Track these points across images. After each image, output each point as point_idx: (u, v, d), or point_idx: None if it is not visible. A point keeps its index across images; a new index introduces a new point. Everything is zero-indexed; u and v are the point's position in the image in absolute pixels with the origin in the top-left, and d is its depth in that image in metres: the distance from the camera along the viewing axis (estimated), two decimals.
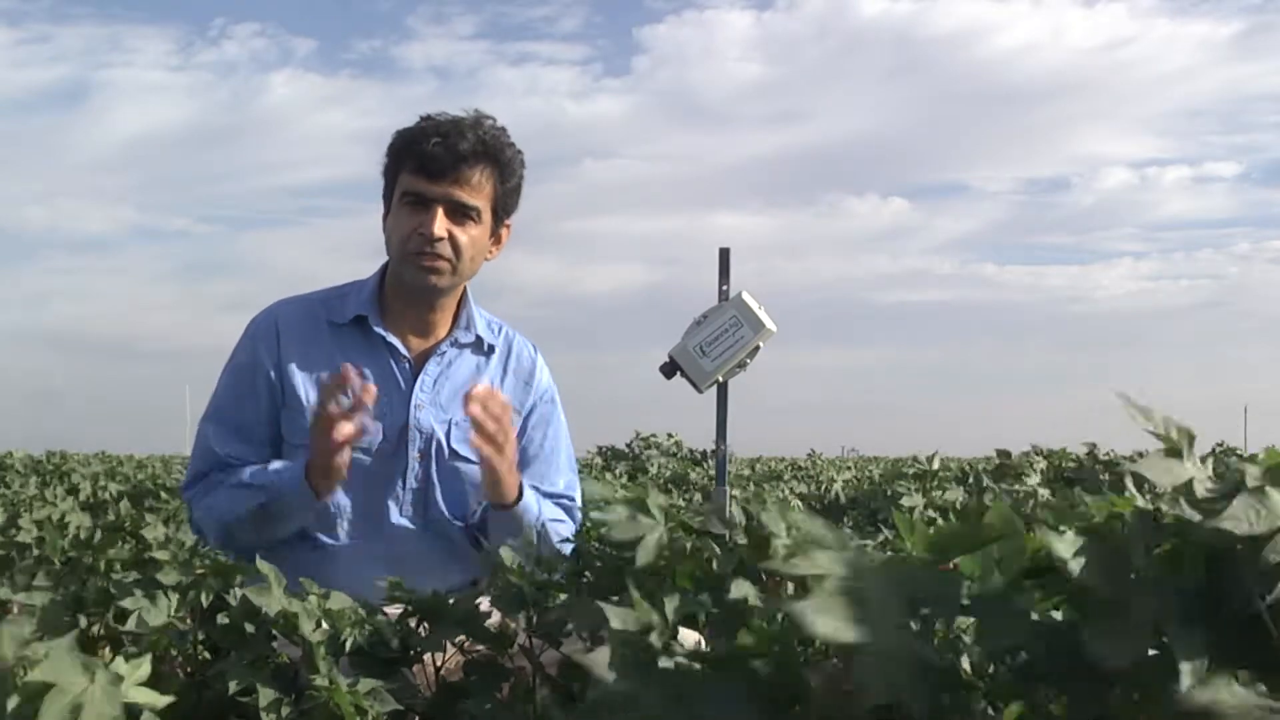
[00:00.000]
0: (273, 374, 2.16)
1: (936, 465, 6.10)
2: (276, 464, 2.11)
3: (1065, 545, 0.97)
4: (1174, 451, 1.03)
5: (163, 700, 1.01)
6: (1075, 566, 0.96)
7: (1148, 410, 1.07)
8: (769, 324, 2.87)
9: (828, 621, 0.92)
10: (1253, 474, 0.97)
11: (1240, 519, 0.93)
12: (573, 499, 2.35)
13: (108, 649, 1.62)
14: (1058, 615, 1.09)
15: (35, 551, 2.13)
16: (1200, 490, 1.00)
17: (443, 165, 2.07)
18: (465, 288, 2.26)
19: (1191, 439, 1.05)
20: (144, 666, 1.01)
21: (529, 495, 2.14)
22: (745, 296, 2.88)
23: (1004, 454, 6.88)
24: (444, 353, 2.22)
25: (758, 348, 2.88)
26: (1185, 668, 0.88)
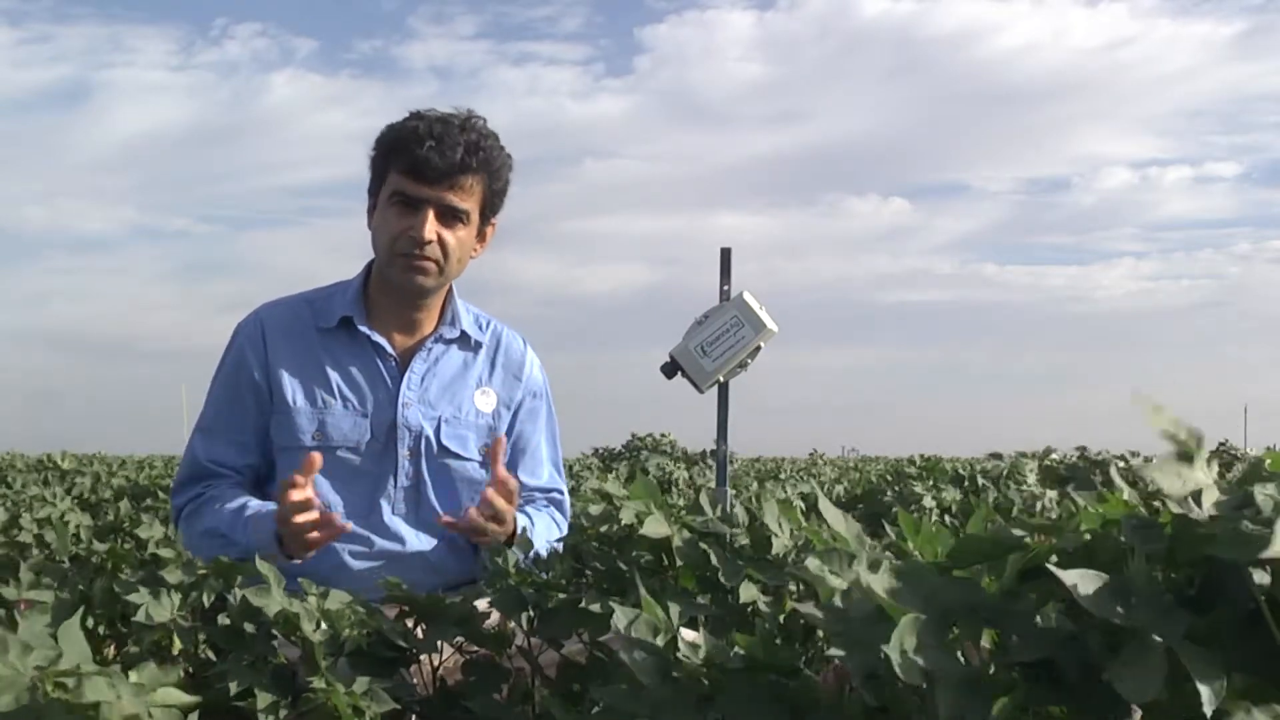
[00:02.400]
0: (260, 378, 2.17)
1: (934, 465, 6.14)
2: (250, 508, 2.06)
3: (1077, 578, 0.97)
4: (1185, 455, 1.02)
5: (190, 699, 1.03)
6: (1084, 593, 0.96)
7: (1161, 409, 1.05)
8: (770, 324, 2.88)
9: (909, 661, 0.96)
10: (1265, 494, 0.98)
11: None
12: (560, 491, 2.39)
13: (113, 647, 1.63)
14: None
15: (36, 550, 2.13)
16: (1208, 503, 0.99)
17: (437, 171, 2.08)
18: (450, 284, 2.27)
19: (1201, 441, 1.04)
20: (174, 672, 1.02)
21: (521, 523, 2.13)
22: (746, 296, 2.89)
23: (996, 455, 6.91)
24: (430, 349, 2.23)
25: (759, 348, 2.89)
26: (1206, 693, 0.88)
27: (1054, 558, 1.07)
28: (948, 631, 1.03)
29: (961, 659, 1.11)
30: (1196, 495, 1.00)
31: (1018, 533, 1.15)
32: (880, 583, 1.07)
